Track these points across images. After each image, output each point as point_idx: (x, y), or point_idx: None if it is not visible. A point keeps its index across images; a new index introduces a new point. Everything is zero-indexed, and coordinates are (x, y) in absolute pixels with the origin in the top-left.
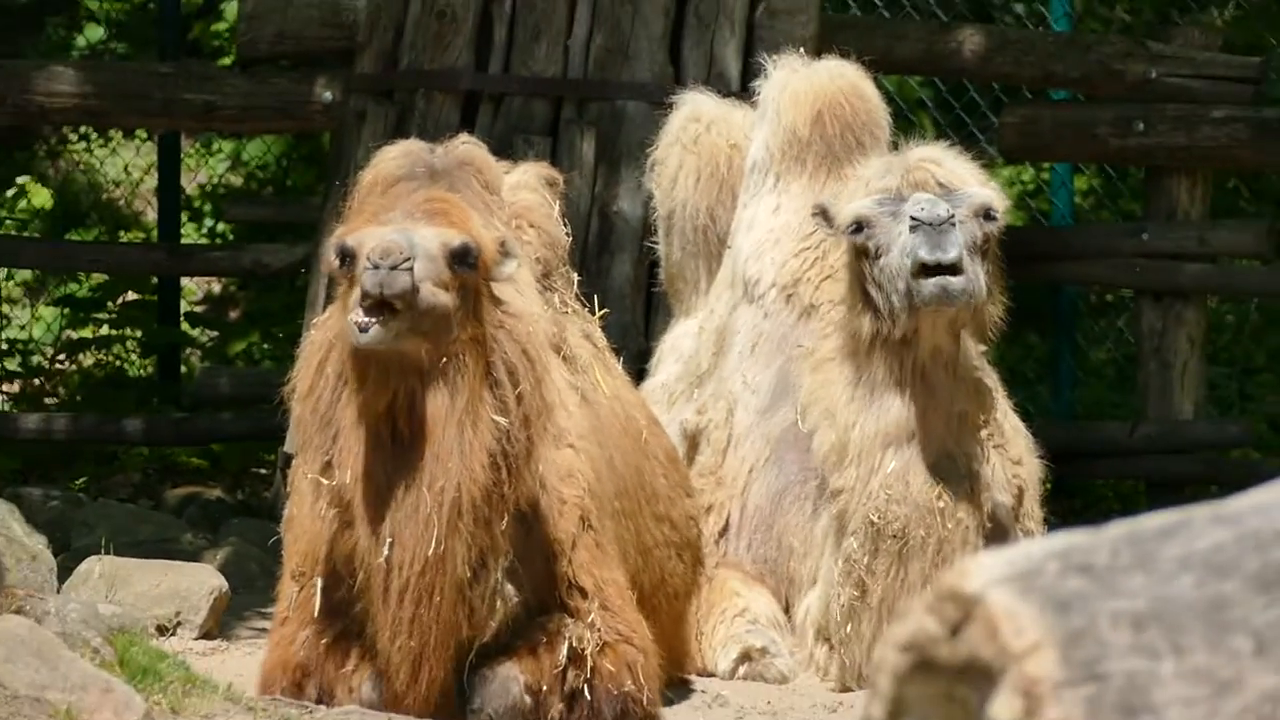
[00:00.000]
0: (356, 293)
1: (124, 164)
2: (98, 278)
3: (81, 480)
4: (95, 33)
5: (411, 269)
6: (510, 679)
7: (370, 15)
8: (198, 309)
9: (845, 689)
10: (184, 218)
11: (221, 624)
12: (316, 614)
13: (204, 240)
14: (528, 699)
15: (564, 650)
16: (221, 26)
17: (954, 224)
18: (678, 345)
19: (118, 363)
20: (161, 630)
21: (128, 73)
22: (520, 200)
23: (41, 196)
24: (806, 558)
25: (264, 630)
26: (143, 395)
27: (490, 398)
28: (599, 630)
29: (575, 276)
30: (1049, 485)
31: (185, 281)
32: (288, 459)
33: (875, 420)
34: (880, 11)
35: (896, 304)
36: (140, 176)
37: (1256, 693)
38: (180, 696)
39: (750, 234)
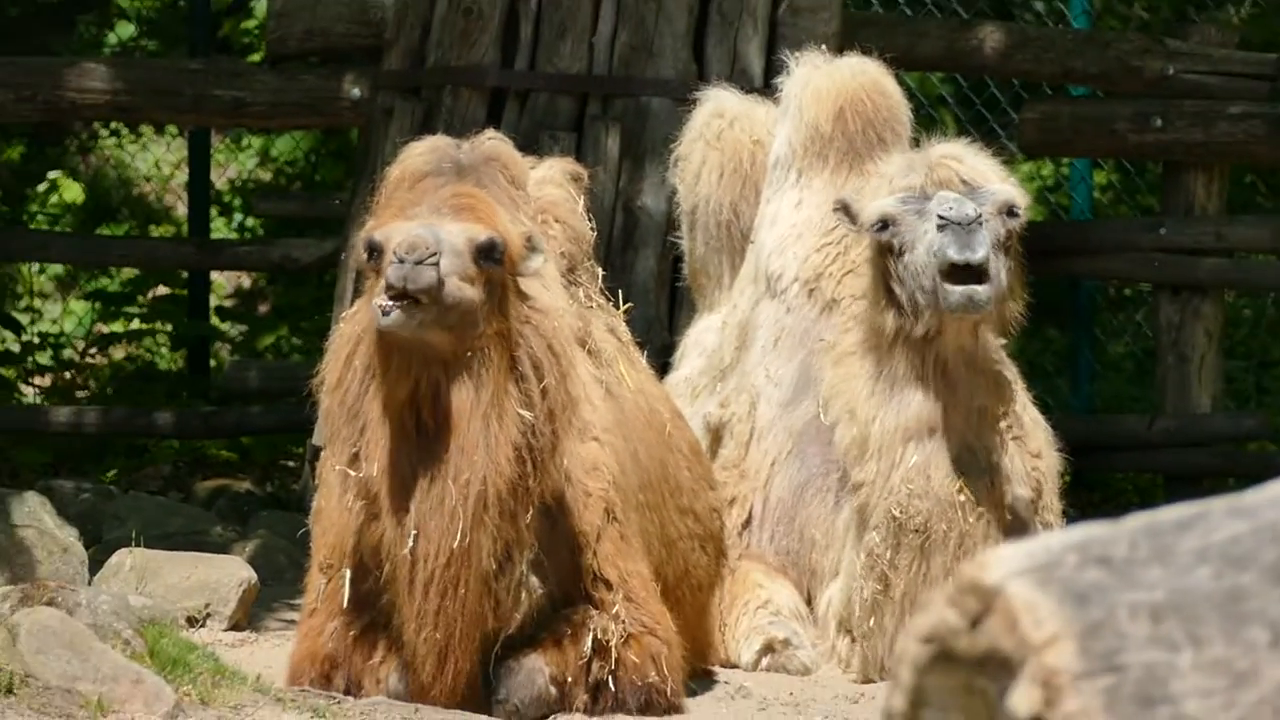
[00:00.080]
0: (381, 285)
1: (154, 159)
2: (128, 272)
3: (112, 473)
4: (126, 30)
5: (437, 264)
6: (535, 670)
7: (398, 13)
8: (227, 303)
9: (867, 680)
10: (214, 213)
11: (250, 616)
12: (344, 605)
13: (233, 235)
14: (553, 690)
15: (589, 642)
16: (251, 24)
17: (981, 223)
18: (701, 339)
19: (148, 356)
20: (191, 622)
21: (158, 69)
22: (545, 195)
23: (73, 191)
24: (828, 550)
25: (292, 622)
26: (173, 388)
27: (515, 392)
28: (623, 622)
29: (600, 271)
30: (1068, 478)
31: (215, 276)
32: (316, 451)
33: (896, 415)
34: (902, 9)
35: (921, 301)
36: (170, 172)
37: (1273, 684)
38: (210, 687)
39: (773, 229)
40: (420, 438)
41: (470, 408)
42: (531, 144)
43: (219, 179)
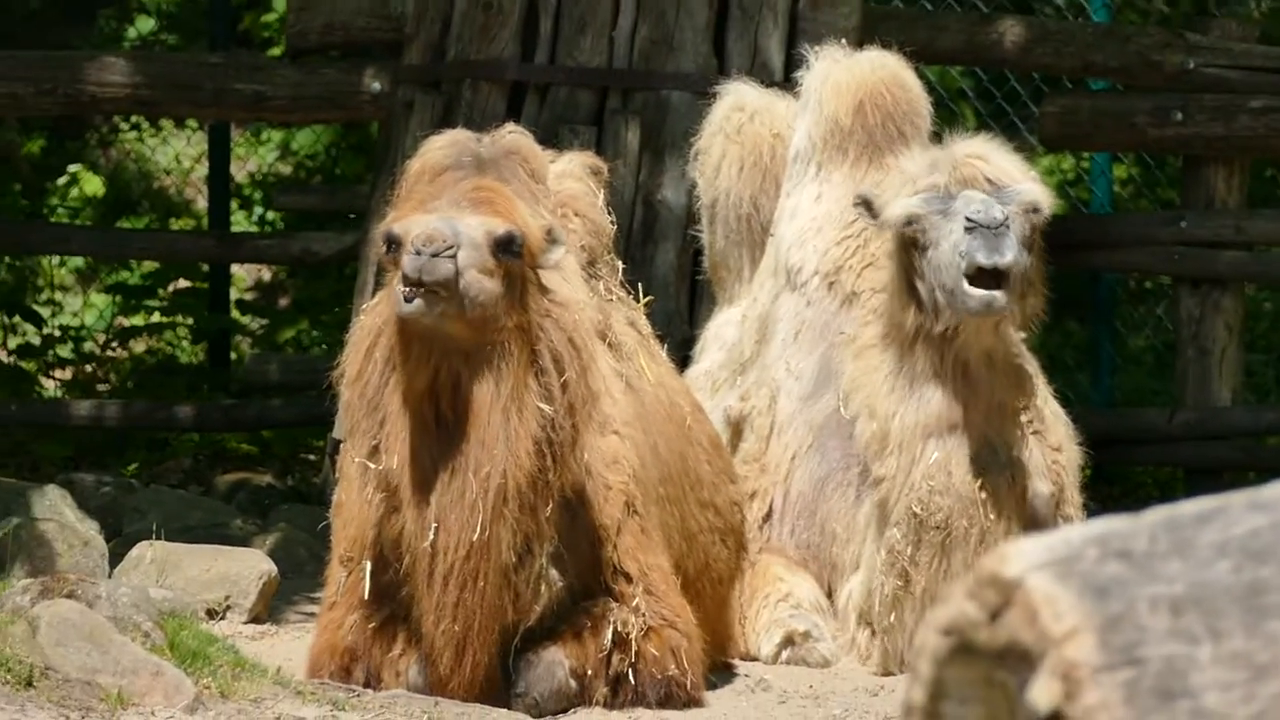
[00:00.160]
0: (399, 277)
1: (175, 153)
2: (149, 265)
3: (133, 466)
4: (146, 24)
5: (455, 256)
6: (555, 663)
7: (418, 7)
8: (247, 296)
9: (887, 673)
10: (234, 206)
11: (270, 608)
12: (364, 598)
13: (254, 228)
14: (573, 683)
15: (608, 635)
16: (271, 18)
17: (1009, 227)
18: (721, 333)
19: (169, 349)
20: (211, 614)
21: (178, 63)
22: (566, 189)
23: (93, 184)
24: (849, 543)
25: (312, 615)
26: (193, 382)
27: (536, 385)
28: (643, 615)
29: (620, 264)
30: (1088, 472)
31: (235, 269)
32: (336, 444)
33: (915, 411)
34: (922, 3)
35: (940, 300)
36: (191, 165)
37: None
38: (229, 680)
39: (793, 222)
40: (440, 430)
41: (490, 401)
42: (551, 138)
43: (239, 172)
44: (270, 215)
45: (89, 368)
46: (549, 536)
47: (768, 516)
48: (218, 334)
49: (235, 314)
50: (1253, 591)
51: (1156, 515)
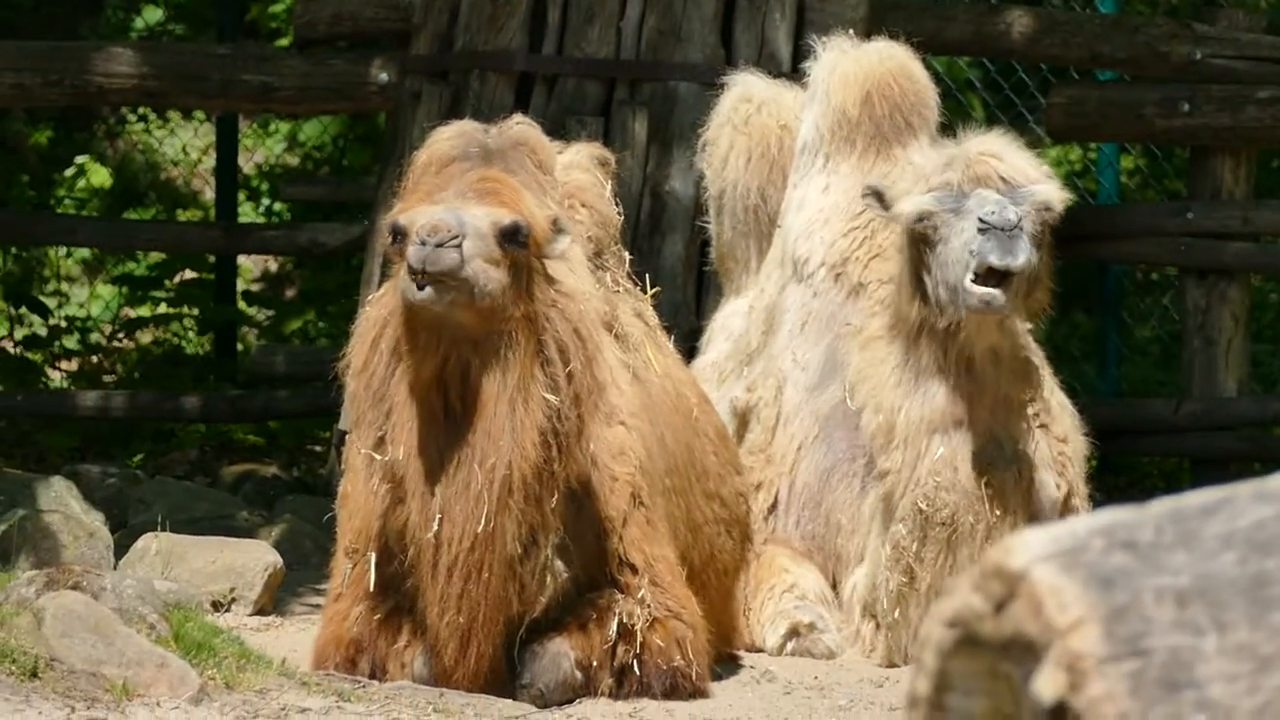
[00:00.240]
0: (405, 268)
1: (182, 144)
2: (155, 256)
3: (139, 457)
4: (153, 14)
5: (460, 246)
6: (560, 654)
7: None
8: (254, 287)
9: (891, 665)
10: (241, 197)
11: (276, 600)
12: (370, 590)
13: (261, 219)
14: (578, 674)
15: (614, 626)
16: (279, 8)
17: (1022, 229)
18: (728, 324)
19: (175, 340)
20: (217, 606)
21: (186, 54)
22: (573, 180)
23: (100, 175)
24: (854, 535)
25: (318, 606)
26: (199, 373)
27: (542, 375)
28: (649, 606)
29: (627, 255)
30: (1094, 462)
31: (242, 260)
32: (342, 436)
33: (920, 406)
34: None
35: (943, 296)
36: (198, 156)
37: None
38: (235, 671)
39: (800, 213)
40: (447, 421)
41: (497, 391)
42: (559, 129)
43: (246, 163)
44: (277, 206)
45: (95, 358)
46: (554, 528)
47: (773, 507)
48: (224, 325)
49: (242, 305)
50: (1258, 583)
51: (1162, 506)
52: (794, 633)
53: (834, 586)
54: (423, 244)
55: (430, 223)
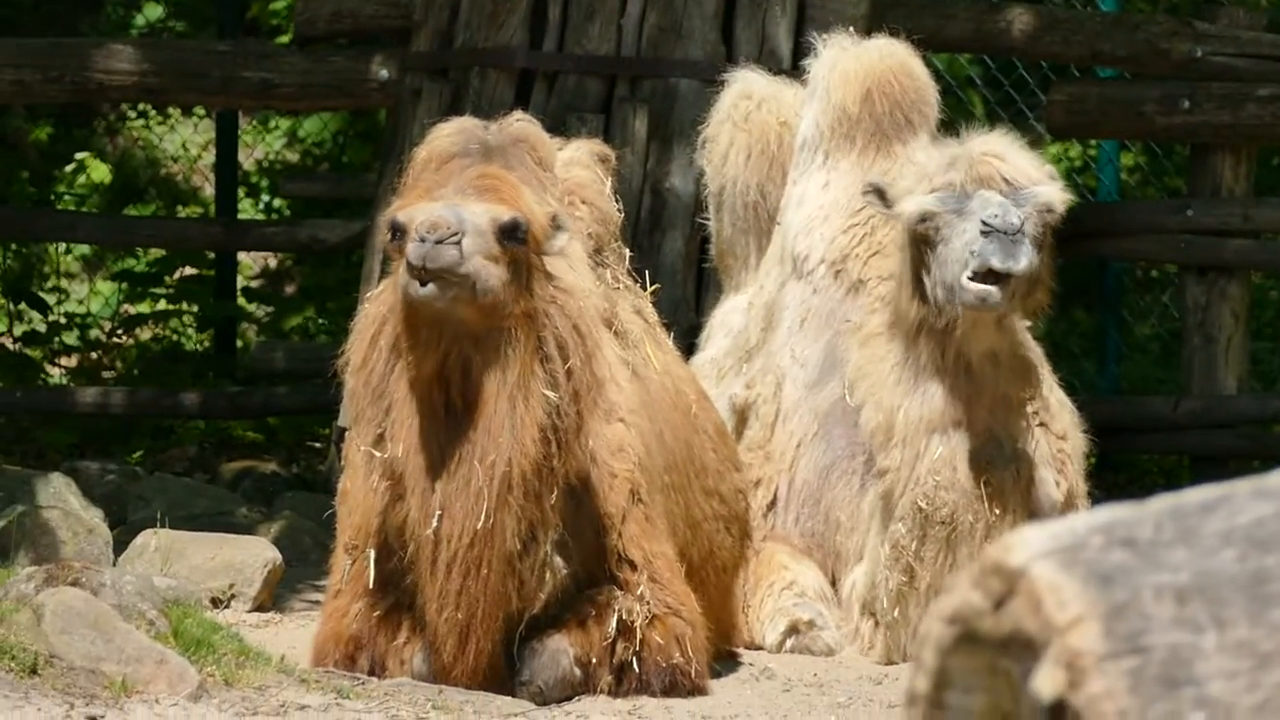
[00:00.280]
0: (404, 264)
1: (182, 140)
2: (155, 252)
3: (138, 454)
4: (154, 11)
5: (459, 243)
6: (559, 651)
7: None
8: (254, 284)
9: (890, 662)
10: (241, 193)
11: (275, 597)
12: (369, 587)
13: (260, 216)
14: (577, 671)
15: (613, 623)
16: (279, 5)
17: (1025, 232)
18: (727, 320)
19: (174, 337)
20: (216, 603)
21: (186, 51)
22: (573, 177)
23: (100, 172)
24: (853, 532)
25: (317, 603)
26: (199, 369)
27: (541, 372)
28: (648, 603)
29: (627, 252)
30: (1093, 460)
31: (242, 256)
32: (342, 432)
33: (919, 405)
34: None
35: (941, 296)
36: (198, 153)
37: None
38: (234, 668)
39: (800, 210)
40: (447, 417)
41: (497, 388)
42: (559, 125)
43: (246, 160)
44: (277, 203)
45: (95, 355)
46: (554, 524)
47: (772, 504)
48: (224, 321)
49: (241, 301)
50: (1257, 580)
51: (1161, 503)
52: (793, 630)
53: (833, 584)
54: (422, 241)
55: (429, 219)
